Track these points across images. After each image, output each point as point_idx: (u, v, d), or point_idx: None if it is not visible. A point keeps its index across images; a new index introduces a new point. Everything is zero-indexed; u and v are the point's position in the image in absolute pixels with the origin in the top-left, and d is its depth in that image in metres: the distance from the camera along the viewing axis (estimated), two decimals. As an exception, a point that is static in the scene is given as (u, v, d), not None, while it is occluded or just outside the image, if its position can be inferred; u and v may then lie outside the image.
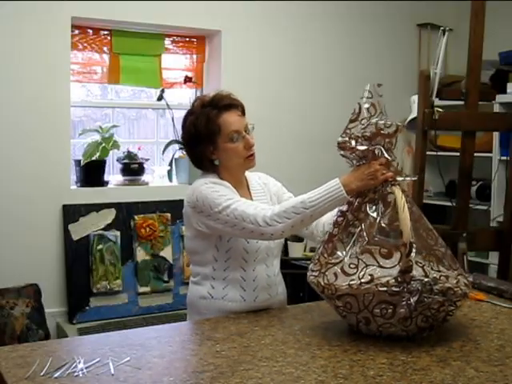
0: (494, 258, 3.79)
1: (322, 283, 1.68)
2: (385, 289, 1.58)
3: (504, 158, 3.79)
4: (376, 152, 1.75)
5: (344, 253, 1.70)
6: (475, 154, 2.97)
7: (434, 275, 1.64)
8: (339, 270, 1.66)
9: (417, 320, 1.61)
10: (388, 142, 1.76)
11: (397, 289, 1.58)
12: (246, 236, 1.87)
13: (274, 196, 2.10)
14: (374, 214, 1.71)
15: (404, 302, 1.58)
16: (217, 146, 1.95)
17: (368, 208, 1.73)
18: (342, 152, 1.79)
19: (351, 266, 1.65)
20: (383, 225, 1.69)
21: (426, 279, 1.60)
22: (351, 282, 1.62)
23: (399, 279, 1.58)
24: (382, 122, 1.74)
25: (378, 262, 1.63)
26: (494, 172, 3.92)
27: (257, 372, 1.44)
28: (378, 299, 1.60)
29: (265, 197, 2.07)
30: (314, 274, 1.73)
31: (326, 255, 1.73)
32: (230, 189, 1.93)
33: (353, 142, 1.75)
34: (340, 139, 1.77)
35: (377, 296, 1.60)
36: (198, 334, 1.80)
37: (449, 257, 1.74)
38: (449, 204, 3.68)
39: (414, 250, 1.60)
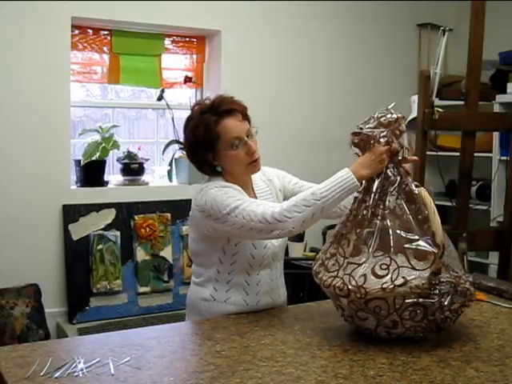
0: (494, 258, 3.79)
1: (349, 286, 1.58)
2: (419, 291, 1.55)
3: (504, 158, 3.79)
4: (386, 136, 1.74)
5: (368, 252, 1.62)
6: (475, 154, 2.97)
7: (455, 275, 1.63)
8: (369, 272, 1.58)
9: (436, 321, 1.61)
10: (395, 133, 1.76)
11: (430, 291, 1.56)
12: (255, 236, 1.81)
13: (279, 192, 2.07)
14: (399, 213, 1.66)
15: (437, 304, 1.57)
16: (218, 153, 1.90)
17: (390, 205, 1.68)
18: (355, 140, 1.77)
19: (382, 266, 1.58)
20: (413, 225, 1.64)
21: (453, 280, 1.60)
22: (384, 285, 1.55)
23: (433, 281, 1.55)
24: (383, 114, 1.75)
25: (410, 264, 1.58)
26: (494, 172, 3.93)
27: (257, 372, 1.44)
28: (410, 302, 1.56)
29: (271, 195, 2.04)
30: (331, 275, 1.65)
31: (344, 255, 1.66)
32: (239, 191, 1.88)
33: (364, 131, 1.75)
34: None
35: (408, 299, 1.56)
36: (198, 334, 1.80)
37: (457, 258, 1.73)
38: (449, 204, 3.67)
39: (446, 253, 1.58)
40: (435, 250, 1.57)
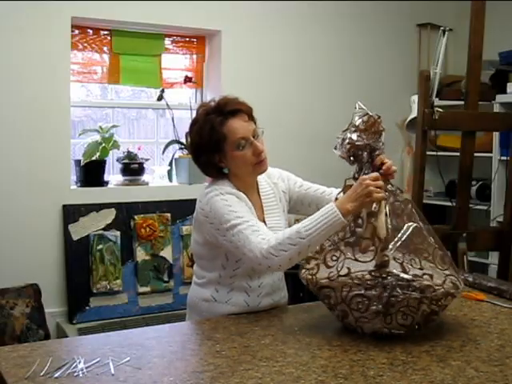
0: (494, 258, 3.79)
1: (308, 276, 1.73)
2: (359, 282, 1.62)
3: (504, 158, 3.79)
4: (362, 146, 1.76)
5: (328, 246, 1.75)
6: (475, 154, 2.97)
7: (415, 272, 1.64)
8: (321, 263, 1.72)
9: (396, 317, 1.62)
10: (374, 136, 1.78)
11: (371, 282, 1.61)
12: (247, 262, 1.82)
13: (282, 193, 2.06)
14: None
15: (377, 297, 1.61)
16: (224, 155, 1.89)
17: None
18: (341, 154, 1.80)
19: (333, 258, 1.70)
20: (360, 221, 1.73)
21: (401, 275, 1.61)
22: (330, 275, 1.67)
23: (373, 273, 1.61)
24: (360, 119, 1.77)
25: (354, 256, 1.67)
26: (493, 172, 3.93)
27: (257, 372, 1.44)
28: (353, 292, 1.63)
29: (274, 198, 2.03)
30: (302, 267, 1.80)
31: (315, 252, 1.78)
32: (243, 203, 1.87)
33: (340, 142, 1.79)
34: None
35: (353, 289, 1.63)
36: (198, 334, 1.80)
37: (438, 257, 1.72)
38: (449, 204, 3.68)
39: (389, 246, 1.63)
40: (375, 243, 1.64)
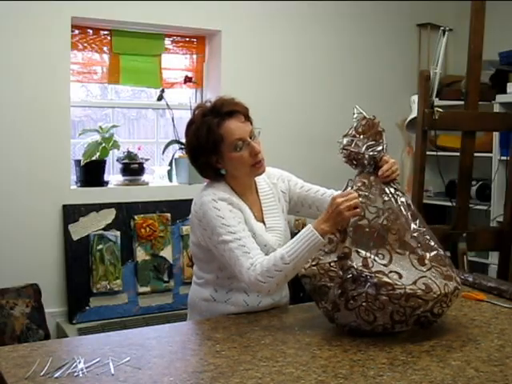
0: (494, 258, 3.80)
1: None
2: (323, 272, 1.68)
3: (504, 158, 3.79)
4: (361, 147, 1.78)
5: None
6: (475, 154, 2.98)
7: (379, 269, 1.63)
8: None
9: (359, 311, 1.63)
10: (375, 137, 1.79)
11: (331, 274, 1.66)
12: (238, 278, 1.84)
13: (281, 193, 2.06)
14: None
15: (334, 288, 1.66)
16: (221, 156, 1.88)
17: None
18: (345, 158, 1.82)
19: None
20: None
21: (360, 269, 1.62)
22: (306, 265, 1.76)
23: (332, 265, 1.66)
24: (357, 123, 1.79)
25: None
26: (493, 172, 3.93)
27: (257, 372, 1.44)
28: (320, 282, 1.70)
29: (273, 198, 2.03)
30: None
31: None
32: (236, 210, 1.87)
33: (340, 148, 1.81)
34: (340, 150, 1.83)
35: (321, 279, 1.69)
36: (198, 334, 1.80)
37: (412, 259, 1.68)
38: (449, 204, 3.68)
39: (350, 239, 1.69)
40: (336, 235, 1.70)
